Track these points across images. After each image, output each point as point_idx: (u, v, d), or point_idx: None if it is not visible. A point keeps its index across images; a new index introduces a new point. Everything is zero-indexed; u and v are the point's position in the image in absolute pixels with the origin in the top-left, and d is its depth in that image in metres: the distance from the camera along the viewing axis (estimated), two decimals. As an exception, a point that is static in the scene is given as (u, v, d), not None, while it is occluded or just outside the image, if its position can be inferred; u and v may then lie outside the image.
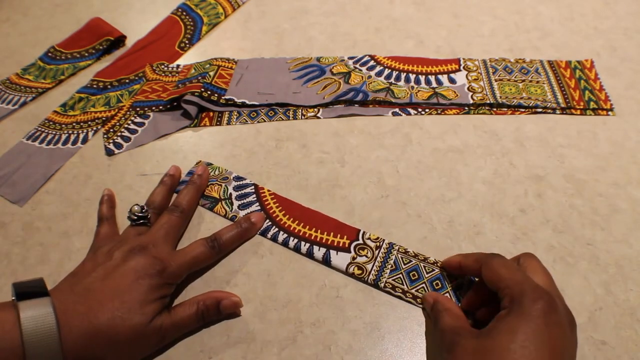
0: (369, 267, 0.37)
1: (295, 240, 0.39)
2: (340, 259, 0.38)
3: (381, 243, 0.38)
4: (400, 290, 0.36)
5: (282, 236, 0.39)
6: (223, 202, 0.42)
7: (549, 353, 0.26)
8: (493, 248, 0.38)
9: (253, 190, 0.43)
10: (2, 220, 0.43)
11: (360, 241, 0.39)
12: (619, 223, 0.39)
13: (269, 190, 0.43)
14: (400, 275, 0.36)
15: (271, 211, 0.41)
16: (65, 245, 0.41)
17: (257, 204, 0.42)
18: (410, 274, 0.37)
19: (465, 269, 0.35)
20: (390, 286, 0.36)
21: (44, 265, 0.40)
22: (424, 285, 0.36)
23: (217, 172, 0.45)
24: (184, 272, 0.36)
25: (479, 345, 0.28)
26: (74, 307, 0.31)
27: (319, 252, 0.38)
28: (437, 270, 0.37)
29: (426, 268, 0.37)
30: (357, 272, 0.37)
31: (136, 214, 0.39)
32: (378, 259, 0.38)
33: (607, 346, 0.33)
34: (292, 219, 0.40)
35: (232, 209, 0.42)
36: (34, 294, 0.30)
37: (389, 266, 0.37)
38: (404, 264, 0.37)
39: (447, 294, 0.35)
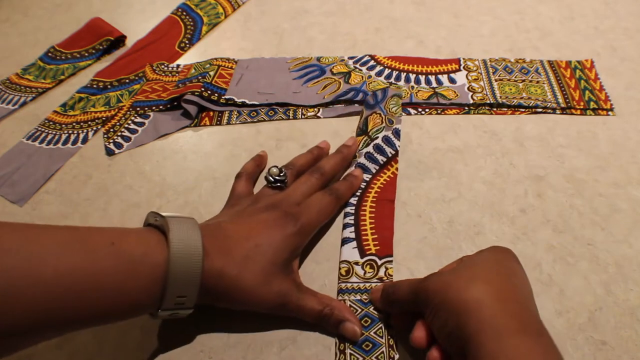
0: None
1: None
2: (351, 253, 0.38)
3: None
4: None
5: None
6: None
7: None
8: (493, 248, 0.38)
9: None
10: (2, 220, 0.43)
11: (384, 260, 0.38)
12: (619, 223, 0.39)
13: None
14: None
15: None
16: (65, 245, 0.41)
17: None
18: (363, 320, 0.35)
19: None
20: None
21: (44, 265, 0.40)
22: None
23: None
24: (314, 226, 0.37)
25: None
26: (209, 240, 0.31)
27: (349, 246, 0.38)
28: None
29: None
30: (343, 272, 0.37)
31: (274, 176, 0.39)
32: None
33: (607, 346, 0.33)
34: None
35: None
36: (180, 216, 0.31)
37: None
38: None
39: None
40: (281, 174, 0.39)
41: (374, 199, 0.41)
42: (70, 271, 0.26)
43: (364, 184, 0.42)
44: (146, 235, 0.30)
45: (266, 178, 0.39)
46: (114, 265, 0.27)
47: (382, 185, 0.42)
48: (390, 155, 0.44)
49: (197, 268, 0.29)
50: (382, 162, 0.43)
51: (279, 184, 0.39)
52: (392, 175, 0.43)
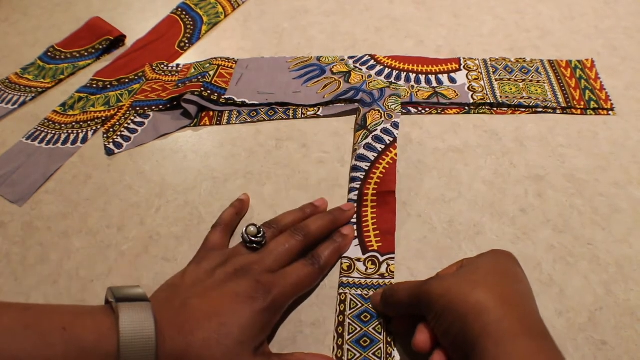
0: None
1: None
2: (353, 250, 0.38)
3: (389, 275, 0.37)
4: None
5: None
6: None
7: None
8: (494, 248, 0.38)
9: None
10: (2, 220, 0.43)
11: (385, 257, 0.38)
12: (620, 223, 0.39)
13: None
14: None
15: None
16: (64, 245, 0.41)
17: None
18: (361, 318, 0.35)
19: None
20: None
21: (44, 265, 0.40)
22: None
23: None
24: (288, 299, 0.34)
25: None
26: (170, 319, 0.29)
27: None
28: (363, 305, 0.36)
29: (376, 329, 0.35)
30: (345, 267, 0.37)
31: (250, 236, 0.36)
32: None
33: (608, 346, 0.33)
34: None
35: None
36: (134, 298, 0.29)
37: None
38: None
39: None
40: (259, 235, 0.36)
41: (375, 192, 0.41)
42: (18, 358, 0.25)
43: (363, 173, 0.42)
44: (100, 319, 0.27)
45: (242, 236, 0.36)
46: (64, 353, 0.26)
47: (381, 175, 0.42)
48: (388, 142, 0.43)
49: (151, 357, 0.27)
50: (380, 150, 0.43)
51: (254, 245, 0.35)
52: (391, 162, 0.42)
